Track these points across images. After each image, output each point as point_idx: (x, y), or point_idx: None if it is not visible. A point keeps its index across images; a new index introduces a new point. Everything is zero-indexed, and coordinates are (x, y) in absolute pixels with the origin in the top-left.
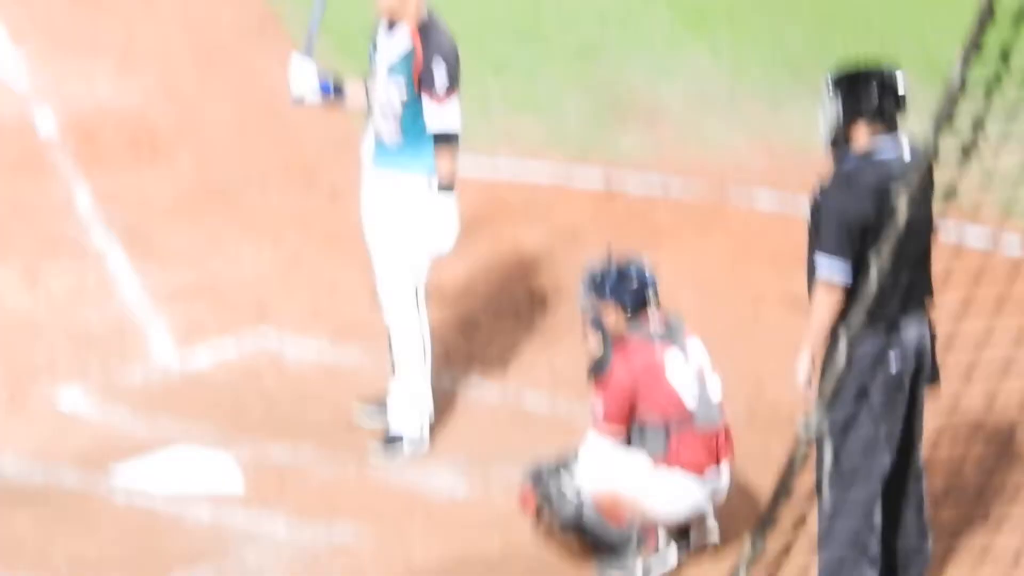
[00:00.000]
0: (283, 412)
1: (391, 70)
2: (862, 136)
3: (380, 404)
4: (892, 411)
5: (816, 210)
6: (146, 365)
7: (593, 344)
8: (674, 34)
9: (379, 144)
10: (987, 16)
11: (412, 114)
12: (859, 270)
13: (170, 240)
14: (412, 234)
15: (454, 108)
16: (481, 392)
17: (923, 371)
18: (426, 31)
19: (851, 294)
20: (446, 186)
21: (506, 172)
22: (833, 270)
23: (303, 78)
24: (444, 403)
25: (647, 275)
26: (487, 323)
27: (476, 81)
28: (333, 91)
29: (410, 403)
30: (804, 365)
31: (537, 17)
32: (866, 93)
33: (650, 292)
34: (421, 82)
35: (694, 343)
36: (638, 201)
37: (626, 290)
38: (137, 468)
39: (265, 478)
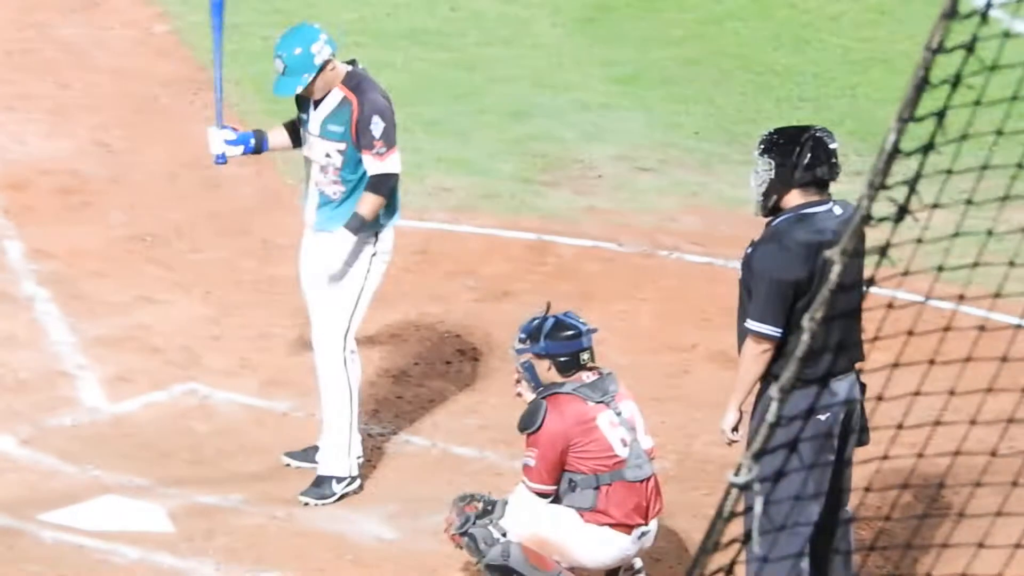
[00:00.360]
0: (211, 459)
1: (325, 127)
2: (795, 199)
3: (306, 454)
4: (821, 464)
5: (746, 266)
6: (75, 412)
7: (525, 397)
8: (607, 95)
9: (322, 200)
10: (922, 83)
11: (353, 167)
12: (789, 322)
13: (100, 290)
14: (352, 288)
15: (394, 161)
16: (410, 440)
17: (851, 426)
18: (358, 88)
19: (780, 347)
20: (356, 224)
21: (437, 228)
22: (764, 328)
23: (220, 143)
24: (373, 451)
25: (584, 333)
26: (417, 373)
27: (409, 140)
28: (254, 146)
29: (338, 446)
30: (731, 415)
31: (471, 78)
32: (800, 158)
33: (586, 351)
34: (359, 140)
35: (627, 404)
36: (569, 258)
37: (562, 347)
38: (65, 513)
39: (193, 523)
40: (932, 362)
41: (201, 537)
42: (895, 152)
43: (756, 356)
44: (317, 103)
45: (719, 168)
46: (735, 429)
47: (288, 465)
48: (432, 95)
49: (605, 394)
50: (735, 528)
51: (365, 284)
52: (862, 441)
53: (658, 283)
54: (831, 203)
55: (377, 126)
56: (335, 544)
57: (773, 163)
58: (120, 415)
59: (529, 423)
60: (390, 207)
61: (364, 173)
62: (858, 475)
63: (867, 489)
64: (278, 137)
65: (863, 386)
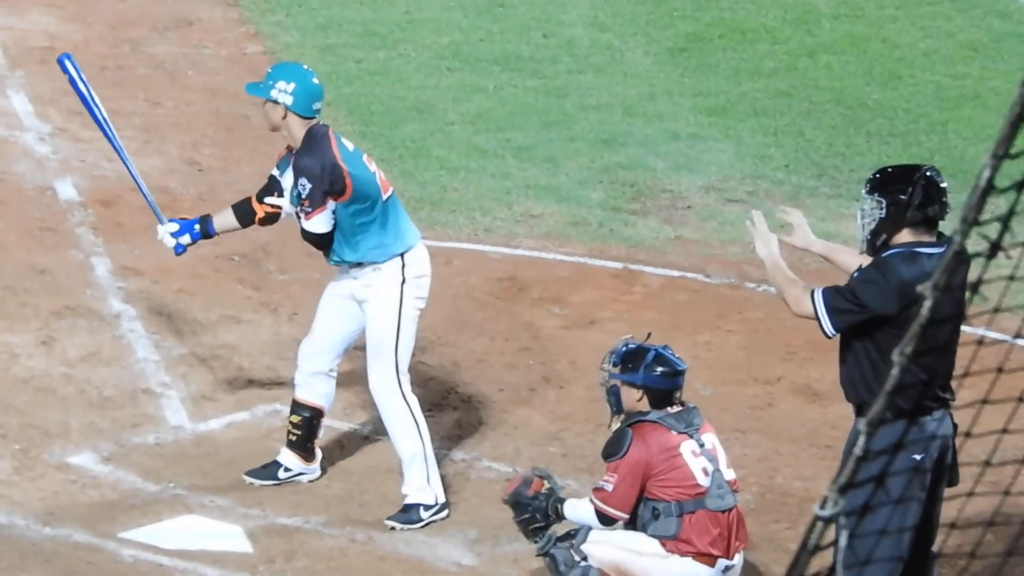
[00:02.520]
0: (293, 480)
1: (293, 193)
2: (905, 238)
3: (267, 471)
4: (910, 499)
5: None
6: (158, 430)
7: (611, 422)
8: (698, 126)
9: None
10: (1018, 119)
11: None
12: (885, 356)
13: (186, 308)
14: (389, 323)
15: (317, 222)
16: (492, 466)
17: (944, 464)
18: (298, 152)
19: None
20: None
21: (525, 255)
22: (824, 313)
23: (169, 238)
24: (455, 477)
25: (681, 373)
26: (501, 400)
27: (499, 166)
28: (200, 232)
29: (419, 475)
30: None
31: (562, 105)
32: (912, 197)
33: (679, 389)
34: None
35: (709, 436)
36: (656, 287)
37: (659, 382)
38: (145, 531)
39: (273, 544)
40: (1021, 400)
41: (281, 559)
42: (989, 188)
43: (793, 300)
44: (288, 164)
45: (808, 201)
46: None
47: (252, 484)
48: (523, 121)
49: (689, 426)
50: (818, 561)
51: (400, 318)
52: (952, 481)
53: (744, 315)
54: (943, 245)
55: (304, 187)
56: (415, 568)
57: (884, 202)
58: (203, 434)
59: (614, 450)
60: (400, 235)
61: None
62: (943, 513)
63: (952, 526)
64: (224, 220)
65: (954, 429)
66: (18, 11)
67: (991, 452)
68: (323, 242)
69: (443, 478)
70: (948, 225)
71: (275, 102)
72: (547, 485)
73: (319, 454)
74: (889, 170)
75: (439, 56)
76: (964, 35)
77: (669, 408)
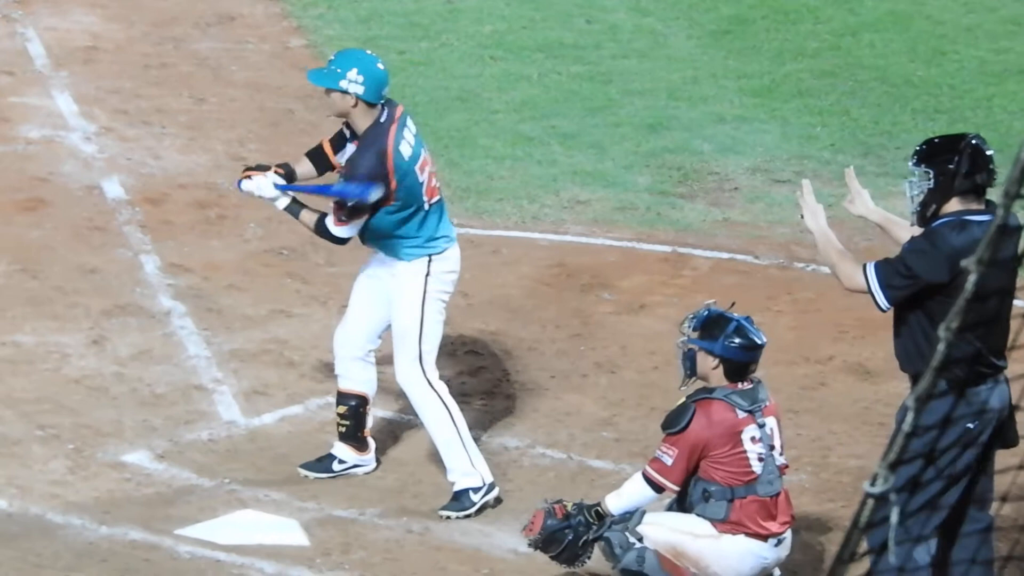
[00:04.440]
0: (347, 473)
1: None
2: (954, 207)
3: (322, 464)
4: (958, 473)
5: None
6: (211, 426)
7: (683, 383)
8: (743, 108)
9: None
10: None
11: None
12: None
13: (236, 304)
14: (412, 314)
15: (344, 230)
16: (546, 453)
17: (1000, 434)
18: (358, 151)
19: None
20: (292, 209)
21: (574, 241)
22: (877, 288)
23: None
24: (508, 464)
25: (761, 347)
26: (553, 386)
27: (545, 153)
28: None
29: (460, 461)
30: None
31: (607, 90)
32: (959, 166)
33: (755, 362)
34: (336, 194)
35: (770, 419)
36: (705, 270)
37: (737, 354)
38: (201, 527)
39: (330, 537)
40: None
41: (338, 551)
42: None
43: (845, 275)
44: (347, 145)
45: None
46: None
47: (307, 477)
48: (568, 108)
49: (754, 403)
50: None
51: (424, 309)
52: (1008, 442)
53: (794, 295)
54: (992, 213)
55: (349, 196)
56: (471, 558)
57: (932, 172)
58: (256, 429)
59: (674, 424)
60: (434, 239)
61: (380, 223)
62: (995, 487)
63: (1003, 499)
64: (303, 169)
65: (1011, 398)
66: (61, 11)
67: None
68: (341, 245)
69: (496, 466)
70: (996, 193)
71: (345, 92)
72: (569, 503)
73: (372, 444)
74: (935, 141)
75: (482, 45)
76: (1007, 10)
77: (740, 384)
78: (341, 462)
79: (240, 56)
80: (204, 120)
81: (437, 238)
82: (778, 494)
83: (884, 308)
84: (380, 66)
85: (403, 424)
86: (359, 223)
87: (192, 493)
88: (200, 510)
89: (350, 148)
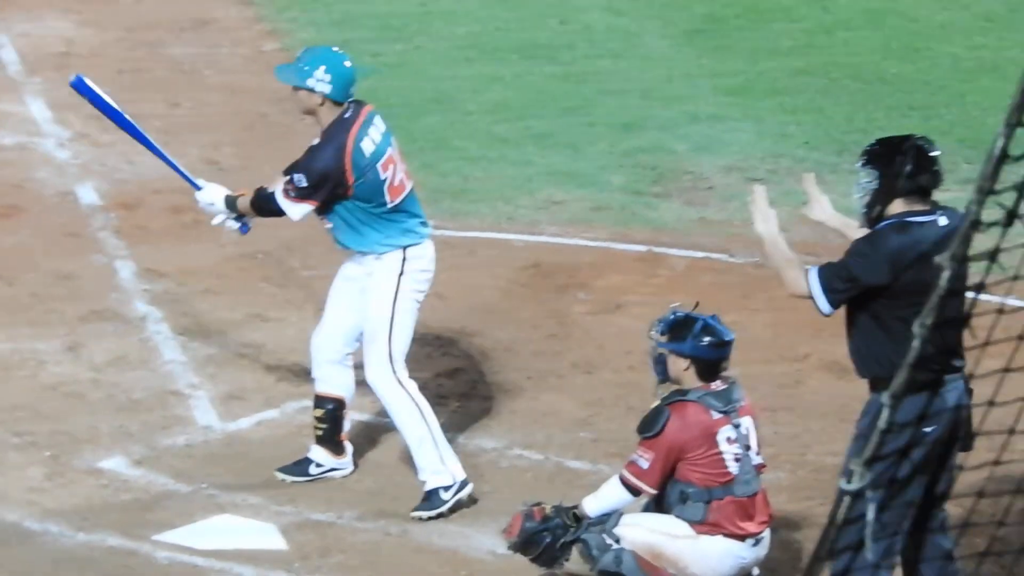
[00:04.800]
0: (325, 476)
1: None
2: (898, 208)
3: (299, 467)
4: (926, 470)
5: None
6: (188, 431)
7: (656, 389)
8: (717, 107)
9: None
10: None
11: (337, 213)
12: (891, 328)
13: (212, 308)
14: (383, 311)
15: (294, 209)
16: (524, 454)
17: (958, 433)
18: (320, 140)
19: (885, 353)
20: (219, 203)
21: (549, 242)
22: (819, 293)
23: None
24: (486, 466)
25: (729, 343)
26: (530, 387)
27: (520, 153)
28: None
29: (430, 460)
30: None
31: (581, 90)
32: (902, 167)
33: (726, 358)
34: (287, 168)
35: (746, 419)
36: (681, 269)
37: (707, 353)
38: (179, 532)
39: (308, 540)
40: None
41: (316, 555)
42: (1004, 157)
43: (790, 281)
44: None
45: (829, 178)
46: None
47: (284, 480)
48: (542, 108)
49: (729, 403)
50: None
51: (395, 306)
52: (967, 447)
53: (770, 293)
54: (936, 213)
55: (300, 177)
56: (449, 559)
57: (876, 173)
58: (233, 433)
59: (649, 428)
60: (407, 232)
61: (346, 216)
62: (970, 481)
63: (980, 495)
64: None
65: (970, 392)
66: (34, 17)
67: (1016, 420)
68: (280, 217)
69: (474, 468)
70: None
71: (311, 90)
72: (548, 506)
73: (349, 448)
74: (880, 142)
75: (456, 47)
76: (979, 6)
77: (712, 384)
78: (318, 465)
79: (214, 60)
80: (179, 125)
81: (410, 230)
82: (756, 494)
83: (826, 312)
84: (347, 64)
85: (380, 427)
86: (305, 207)
87: (169, 498)
88: (178, 515)
89: None
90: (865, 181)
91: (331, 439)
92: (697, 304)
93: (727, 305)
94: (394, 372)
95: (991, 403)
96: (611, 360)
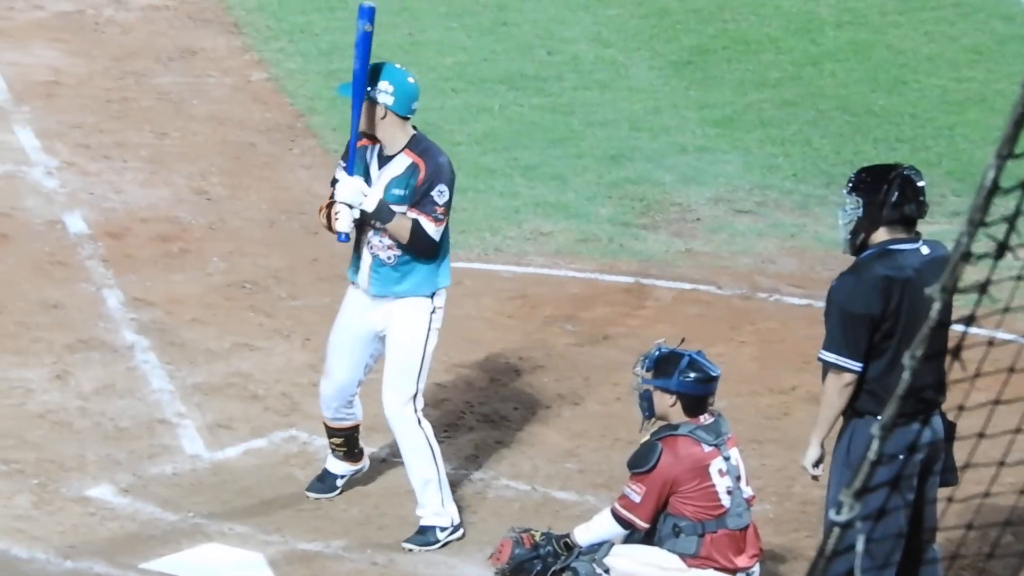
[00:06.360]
0: (311, 506)
1: (389, 190)
2: (882, 237)
3: (323, 483)
4: (908, 503)
5: (827, 299)
6: (175, 460)
7: (643, 426)
8: (705, 138)
9: (376, 263)
10: (1021, 119)
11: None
12: (867, 357)
13: (199, 337)
14: (417, 351)
15: (440, 232)
16: (510, 484)
17: (932, 467)
18: (426, 152)
19: (862, 381)
20: (377, 212)
21: (536, 273)
22: (841, 360)
23: (348, 221)
24: (472, 496)
25: (716, 379)
26: (517, 418)
27: (507, 184)
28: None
29: (434, 500)
30: (813, 451)
31: (568, 122)
32: (888, 196)
33: (712, 394)
34: (419, 202)
35: (734, 451)
36: (668, 301)
37: (694, 389)
38: (166, 561)
39: (294, 570)
40: None
41: None
42: (994, 189)
43: (839, 390)
44: (383, 163)
45: (817, 210)
46: (817, 464)
47: (315, 499)
48: (529, 140)
49: (718, 436)
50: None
51: (427, 345)
52: (948, 481)
53: (757, 325)
54: (919, 242)
55: (442, 194)
56: None
57: (861, 201)
58: (220, 462)
59: (642, 463)
60: (445, 271)
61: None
62: (958, 514)
63: (968, 527)
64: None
65: (951, 425)
66: (22, 46)
67: (1005, 452)
68: (434, 251)
69: (460, 498)
70: (950, 229)
71: (375, 102)
72: (537, 532)
73: (364, 450)
74: (866, 170)
75: (443, 77)
76: (967, 39)
77: (700, 418)
78: (341, 477)
79: (202, 90)
80: (166, 154)
81: (448, 268)
82: (747, 527)
83: (859, 370)
84: (411, 79)
85: (367, 456)
86: (443, 226)
87: (156, 527)
88: (164, 544)
89: (384, 171)
90: (851, 208)
91: (351, 453)
92: (683, 340)
93: (714, 337)
94: (415, 411)
95: (980, 435)
96: (597, 391)
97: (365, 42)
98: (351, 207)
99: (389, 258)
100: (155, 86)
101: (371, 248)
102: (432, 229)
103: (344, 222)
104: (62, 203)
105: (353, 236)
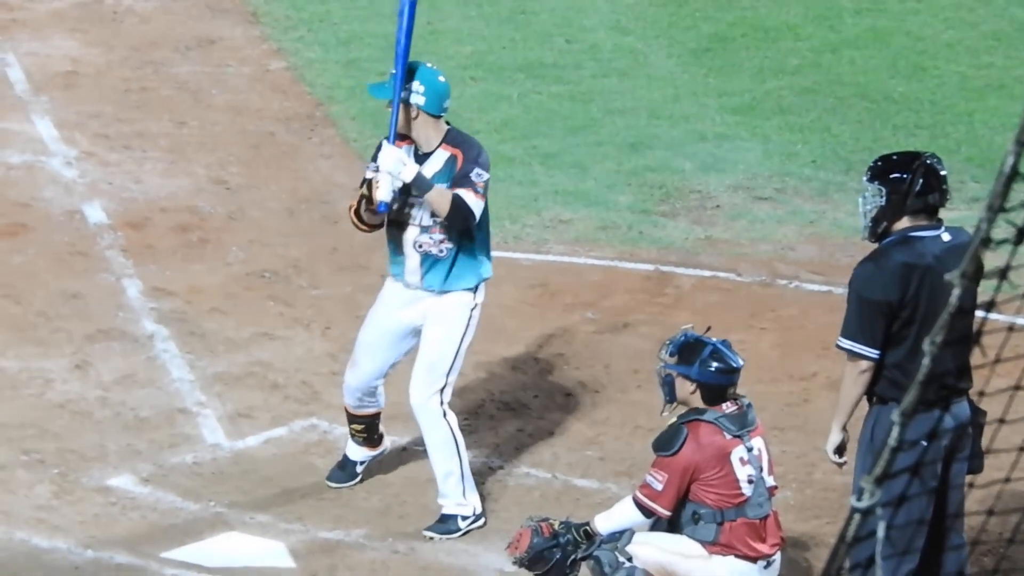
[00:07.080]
0: (332, 494)
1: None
2: (904, 224)
3: (344, 471)
4: (931, 489)
5: (848, 286)
6: (196, 449)
7: (664, 410)
8: (724, 126)
9: (428, 260)
10: None
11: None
12: (888, 343)
13: (219, 327)
14: (455, 346)
15: (480, 207)
16: (531, 473)
17: (958, 452)
18: (464, 143)
19: (881, 368)
20: (416, 181)
21: (556, 261)
22: (857, 347)
23: (389, 189)
24: (494, 484)
25: (737, 370)
26: (537, 406)
27: (526, 173)
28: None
29: (457, 490)
30: (835, 436)
31: (588, 110)
32: (912, 185)
33: (732, 384)
34: (458, 183)
35: (758, 441)
36: (688, 289)
37: (714, 378)
38: (187, 550)
39: (316, 558)
40: None
41: (324, 572)
42: (1014, 175)
43: (855, 377)
44: (420, 161)
45: (836, 197)
46: (840, 451)
47: (336, 488)
48: (549, 128)
49: (743, 427)
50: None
51: (463, 341)
52: (974, 468)
53: (777, 312)
54: (941, 229)
55: (480, 176)
56: None
57: (884, 190)
58: (241, 451)
59: (666, 447)
60: (487, 262)
61: (470, 236)
62: (979, 500)
63: (989, 513)
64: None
65: (981, 412)
66: (41, 37)
67: None
68: (473, 226)
69: (482, 487)
70: (970, 215)
71: (406, 102)
72: (556, 521)
73: (385, 436)
74: (889, 158)
75: (462, 66)
76: (987, 25)
77: (725, 406)
78: (361, 463)
79: (220, 79)
80: (185, 144)
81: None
82: (768, 516)
83: (876, 357)
84: (442, 79)
85: (382, 443)
86: (483, 202)
87: (177, 516)
88: (186, 533)
89: (424, 169)
90: (872, 196)
91: (371, 439)
92: (709, 328)
93: (734, 324)
94: (442, 403)
95: (1001, 421)
96: (618, 379)
97: (411, 8)
98: (391, 176)
99: (441, 251)
100: (173, 76)
101: (420, 247)
102: (472, 200)
103: (384, 190)
104: (81, 193)
105: (395, 206)
